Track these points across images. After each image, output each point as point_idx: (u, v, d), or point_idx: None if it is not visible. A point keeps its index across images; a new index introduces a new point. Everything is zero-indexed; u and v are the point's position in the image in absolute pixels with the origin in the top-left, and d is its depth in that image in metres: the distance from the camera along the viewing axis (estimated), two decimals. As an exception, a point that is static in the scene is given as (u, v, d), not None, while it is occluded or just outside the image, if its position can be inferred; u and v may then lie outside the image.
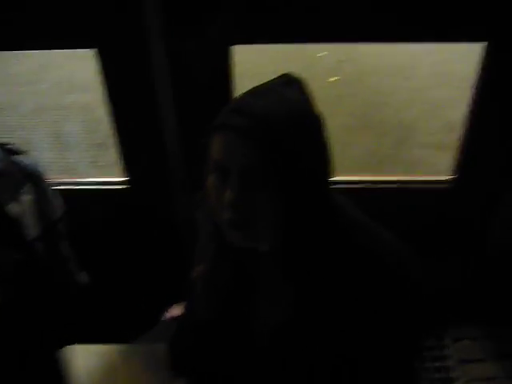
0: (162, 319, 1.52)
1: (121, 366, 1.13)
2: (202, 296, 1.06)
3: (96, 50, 1.67)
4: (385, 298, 0.88)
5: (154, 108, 1.72)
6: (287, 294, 0.95)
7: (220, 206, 0.87)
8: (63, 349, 1.07)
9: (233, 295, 1.04)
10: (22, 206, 1.59)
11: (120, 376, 1.12)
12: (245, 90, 0.91)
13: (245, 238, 0.90)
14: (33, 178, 1.66)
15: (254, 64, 4.56)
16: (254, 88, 0.90)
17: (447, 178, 1.95)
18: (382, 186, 1.93)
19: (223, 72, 1.66)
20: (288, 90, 0.86)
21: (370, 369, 0.92)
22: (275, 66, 4.74)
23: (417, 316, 0.93)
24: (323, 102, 0.89)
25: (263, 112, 0.82)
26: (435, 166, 3.45)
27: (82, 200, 2.00)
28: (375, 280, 0.88)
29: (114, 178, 2.06)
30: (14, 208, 1.55)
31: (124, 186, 1.99)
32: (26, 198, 1.61)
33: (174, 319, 1.45)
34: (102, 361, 1.11)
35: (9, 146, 1.64)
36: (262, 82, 0.91)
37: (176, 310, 1.51)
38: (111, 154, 3.43)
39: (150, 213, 2.00)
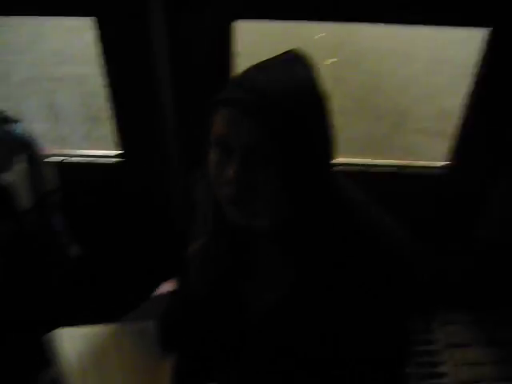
0: (152, 295, 1.51)
1: (110, 347, 1.11)
2: (196, 271, 1.05)
3: (94, 18, 1.64)
4: (379, 279, 0.87)
5: (151, 82, 1.69)
6: (284, 275, 0.95)
7: (221, 181, 0.86)
8: (50, 331, 1.05)
9: (228, 273, 1.03)
10: (15, 175, 1.57)
11: (110, 356, 1.10)
12: (243, 68, 0.89)
13: (243, 215, 0.88)
14: (27, 147, 1.63)
15: (251, 44, 4.50)
16: (259, 63, 0.87)
17: (443, 164, 1.95)
18: (379, 170, 1.92)
19: (223, 48, 1.63)
20: (294, 66, 0.84)
21: (363, 351, 0.92)
22: (272, 45, 4.68)
23: (408, 298, 0.93)
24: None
25: (268, 87, 0.80)
26: (429, 152, 3.45)
27: (74, 172, 1.97)
28: (371, 261, 0.87)
29: (107, 151, 2.04)
30: (6, 177, 1.53)
31: (117, 160, 1.97)
32: (20, 167, 1.59)
33: (165, 296, 1.44)
34: (91, 342, 1.09)
35: (2, 115, 1.61)
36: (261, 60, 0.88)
37: (166, 287, 1.50)
38: (105, 127, 3.40)
39: (142, 187, 1.98)
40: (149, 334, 1.18)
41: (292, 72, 0.83)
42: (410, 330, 1.01)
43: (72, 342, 1.04)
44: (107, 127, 3.45)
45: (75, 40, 4.61)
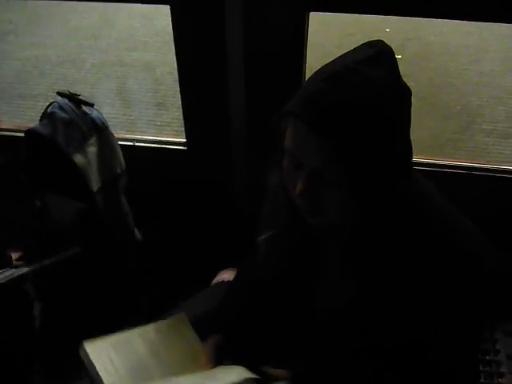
0: (213, 282, 1.52)
1: (143, 348, 1.05)
2: (266, 258, 1.05)
3: (169, 6, 1.65)
4: (456, 285, 0.83)
5: (222, 70, 1.69)
6: (353, 276, 0.92)
7: (292, 189, 0.85)
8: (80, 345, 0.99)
9: (297, 263, 1.02)
10: (87, 157, 1.61)
11: (145, 358, 1.04)
12: (318, 64, 0.83)
13: (315, 221, 0.88)
14: (99, 130, 1.67)
15: (317, 35, 4.45)
16: (331, 65, 0.79)
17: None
18: (447, 171, 1.85)
19: (298, 39, 1.61)
20: (374, 69, 0.75)
21: (431, 355, 0.89)
22: (339, 39, 4.62)
23: (485, 305, 0.89)
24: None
25: (341, 105, 0.73)
26: (499, 154, 3.32)
27: (140, 157, 2.01)
28: (449, 266, 0.83)
29: (173, 138, 2.06)
30: (79, 159, 1.58)
31: (183, 147, 1.99)
32: (92, 149, 1.63)
33: (224, 283, 1.45)
34: (122, 350, 1.03)
35: (78, 97, 1.65)
36: (328, 54, 0.84)
37: (227, 275, 1.51)
38: (169, 114, 3.45)
39: (207, 176, 1.99)
40: (184, 324, 1.15)
41: (371, 78, 0.74)
42: (481, 337, 0.97)
43: (102, 353, 0.99)
44: (171, 114, 3.52)
45: (146, 27, 4.69)
